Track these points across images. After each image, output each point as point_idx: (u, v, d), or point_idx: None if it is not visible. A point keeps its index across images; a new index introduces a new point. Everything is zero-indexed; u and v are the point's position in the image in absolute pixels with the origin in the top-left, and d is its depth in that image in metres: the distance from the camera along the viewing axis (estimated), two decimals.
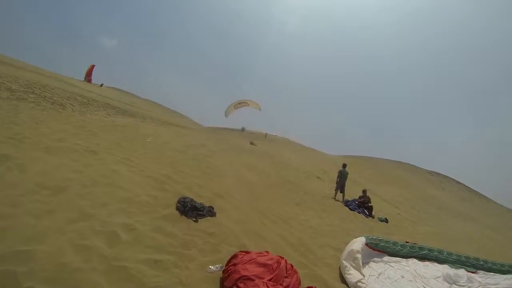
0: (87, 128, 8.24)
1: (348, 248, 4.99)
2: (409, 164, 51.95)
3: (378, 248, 5.51)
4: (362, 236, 5.51)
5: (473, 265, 6.04)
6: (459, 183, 48.19)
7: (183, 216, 4.55)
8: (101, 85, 51.74)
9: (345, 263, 4.64)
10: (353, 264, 4.60)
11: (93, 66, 49.46)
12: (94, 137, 7.47)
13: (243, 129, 45.21)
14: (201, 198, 5.63)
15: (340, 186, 11.84)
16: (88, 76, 48.60)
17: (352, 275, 4.40)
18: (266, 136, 48.99)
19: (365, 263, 5.02)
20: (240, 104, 25.90)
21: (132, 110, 24.90)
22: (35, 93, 10.93)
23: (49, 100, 10.71)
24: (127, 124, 11.83)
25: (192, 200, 5.11)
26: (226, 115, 27.04)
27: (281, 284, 3.19)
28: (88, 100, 15.51)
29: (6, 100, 8.07)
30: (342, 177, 11.91)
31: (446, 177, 49.34)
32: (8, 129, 5.74)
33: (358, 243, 5.03)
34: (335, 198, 11.64)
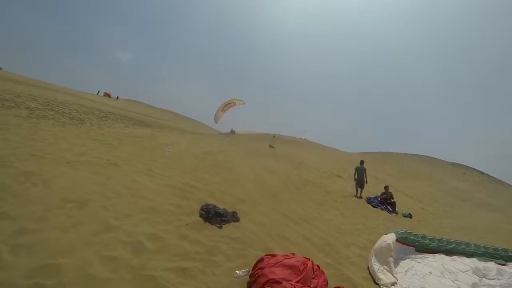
0: (106, 141, 8.39)
1: (378, 247, 4.85)
2: (429, 156, 50.79)
3: (407, 242, 5.36)
4: (391, 232, 5.36)
5: (502, 256, 5.80)
6: (482, 173, 46.71)
7: (207, 223, 4.54)
8: (117, 98, 53.40)
9: (376, 265, 4.51)
10: (387, 268, 4.48)
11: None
12: (114, 150, 7.60)
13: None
14: (224, 204, 5.62)
15: (359, 182, 11.70)
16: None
17: (386, 275, 4.28)
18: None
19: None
20: (227, 106, 25.89)
21: (149, 120, 25.33)
22: (54, 110, 11.25)
23: (68, 116, 11.00)
24: (145, 134, 12.00)
25: (215, 206, 5.10)
26: (215, 121, 26.88)
27: (308, 286, 3.15)
28: (105, 114, 15.87)
29: (26, 119, 8.32)
30: (359, 173, 11.77)
31: (468, 167, 47.97)
32: (31, 147, 5.89)
33: (389, 242, 4.87)
34: (357, 196, 11.46)
